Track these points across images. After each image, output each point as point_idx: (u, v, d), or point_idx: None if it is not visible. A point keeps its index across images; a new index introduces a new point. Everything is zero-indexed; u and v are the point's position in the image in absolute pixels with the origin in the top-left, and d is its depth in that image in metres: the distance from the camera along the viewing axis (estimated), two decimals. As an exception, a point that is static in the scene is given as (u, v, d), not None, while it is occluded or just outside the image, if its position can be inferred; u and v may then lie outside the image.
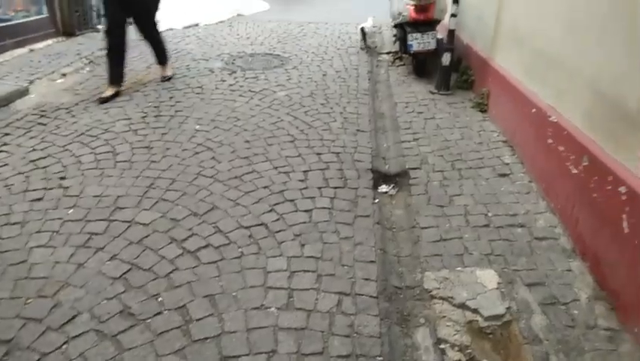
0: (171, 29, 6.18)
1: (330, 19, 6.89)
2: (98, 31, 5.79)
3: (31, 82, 4.00)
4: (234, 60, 4.93)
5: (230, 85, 4.18)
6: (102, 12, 4.52)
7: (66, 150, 2.97)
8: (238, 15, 7.04)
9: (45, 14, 5.35)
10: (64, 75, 4.28)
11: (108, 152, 2.94)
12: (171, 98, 3.84)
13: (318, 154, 2.97)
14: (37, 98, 3.78)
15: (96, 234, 2.19)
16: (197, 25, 6.42)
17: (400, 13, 4.34)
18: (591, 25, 2.14)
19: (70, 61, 4.60)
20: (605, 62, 2.01)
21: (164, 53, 4.29)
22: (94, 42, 5.29)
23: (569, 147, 2.17)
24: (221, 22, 6.66)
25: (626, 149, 1.82)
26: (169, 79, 4.26)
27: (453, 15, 3.81)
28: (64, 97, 3.82)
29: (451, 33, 3.88)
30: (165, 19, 6.31)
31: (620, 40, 1.91)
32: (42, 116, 3.44)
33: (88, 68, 4.52)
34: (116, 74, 3.89)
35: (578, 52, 2.25)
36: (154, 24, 4.17)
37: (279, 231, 2.22)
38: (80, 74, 4.37)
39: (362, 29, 5.32)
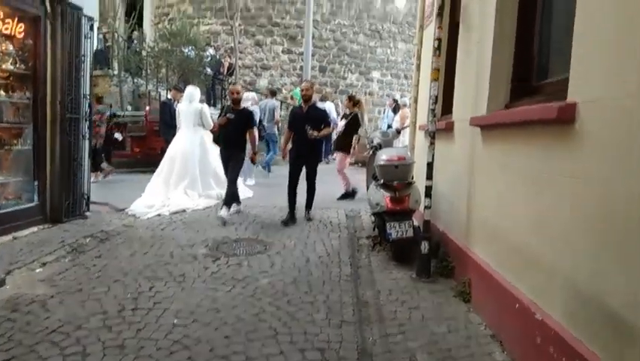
0: (159, 215, 6.39)
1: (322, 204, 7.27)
2: (85, 217, 5.94)
3: (8, 272, 3.93)
4: (218, 246, 5.01)
5: (213, 273, 4.17)
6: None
7: (33, 350, 2.77)
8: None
9: (35, 202, 5.54)
10: (44, 265, 4.24)
11: (77, 353, 2.76)
12: (151, 288, 3.77)
13: (302, 351, 2.83)
14: (12, 290, 3.67)
15: None
16: (184, 210, 6.66)
17: (377, 204, 4.62)
18: (558, 225, 2.29)
19: (52, 249, 4.60)
20: (579, 262, 2.10)
21: None
22: (80, 229, 5.40)
23: (559, 349, 2.13)
24: (208, 207, 6.95)
25: (619, 355, 1.78)
26: None
27: (427, 207, 4.07)
28: (41, 288, 3.72)
29: (427, 223, 4.09)
30: (154, 206, 6.61)
31: (590, 238, 2.03)
32: (14, 310, 3.29)
33: (70, 257, 4.51)
34: None
35: (549, 250, 2.36)
36: None
37: None
38: (60, 264, 4.33)
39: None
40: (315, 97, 14.20)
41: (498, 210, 3.15)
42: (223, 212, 6.10)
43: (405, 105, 10.56)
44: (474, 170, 3.68)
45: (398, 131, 6.16)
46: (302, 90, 6.56)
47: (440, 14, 3.96)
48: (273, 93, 11.80)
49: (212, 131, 7.28)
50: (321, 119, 6.40)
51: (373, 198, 4.77)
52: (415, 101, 6.52)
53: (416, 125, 6.37)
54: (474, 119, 3.52)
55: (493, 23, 3.23)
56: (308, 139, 6.04)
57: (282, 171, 10.31)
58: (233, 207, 6.48)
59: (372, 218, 5.23)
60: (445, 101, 4.86)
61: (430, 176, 4.08)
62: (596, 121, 1.99)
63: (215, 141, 6.88)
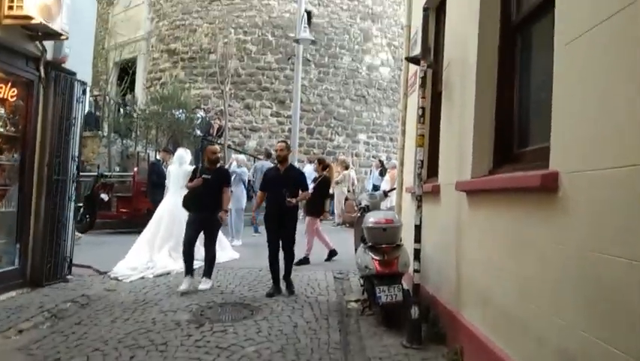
0: (142, 278, 6.24)
1: (299, 266, 7.16)
2: (67, 281, 5.78)
3: (-18, 341, 3.76)
4: (203, 311, 4.88)
5: (197, 340, 4.03)
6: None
7: None
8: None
9: (16, 265, 5.38)
10: (20, 332, 4.07)
11: None
12: (132, 358, 3.61)
13: None
14: (-16, 359, 3.51)
15: None
16: (169, 273, 6.53)
17: (366, 267, 4.58)
18: (545, 291, 2.30)
19: (30, 315, 4.43)
20: (567, 330, 2.08)
21: None
22: (60, 293, 5.23)
23: (555, 421, 2.07)
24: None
25: None
26: None
27: (416, 270, 4.05)
28: (17, 357, 3.55)
29: (416, 287, 4.05)
30: (137, 268, 6.47)
31: (578, 306, 2.03)
32: (-16, 383, 3.13)
33: (48, 324, 4.34)
34: None
35: (538, 317, 2.35)
36: None
37: None
38: (38, 331, 4.16)
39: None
40: (304, 158, 14.35)
41: (486, 274, 3.15)
42: (204, 285, 5.75)
43: (394, 167, 10.74)
44: (461, 233, 3.71)
45: (385, 193, 6.22)
46: (276, 150, 6.12)
47: (423, 85, 4.14)
48: (268, 155, 11.88)
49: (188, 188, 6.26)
50: (299, 181, 5.97)
51: (362, 261, 4.73)
52: (401, 163, 6.65)
53: (403, 187, 6.47)
54: (459, 184, 3.59)
55: (474, 95, 3.39)
56: (284, 202, 5.54)
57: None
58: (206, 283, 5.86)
59: (361, 281, 5.17)
60: (430, 164, 4.97)
61: (418, 239, 4.09)
62: (579, 190, 2.05)
63: (185, 205, 6.13)
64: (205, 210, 5.82)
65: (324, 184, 7.73)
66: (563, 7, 2.28)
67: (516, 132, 3.18)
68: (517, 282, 2.64)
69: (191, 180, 6.06)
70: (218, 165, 6.29)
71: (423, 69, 4.16)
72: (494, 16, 3.35)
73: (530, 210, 2.51)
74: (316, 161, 8.78)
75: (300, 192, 5.91)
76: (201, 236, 6.02)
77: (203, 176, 5.88)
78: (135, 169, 11.72)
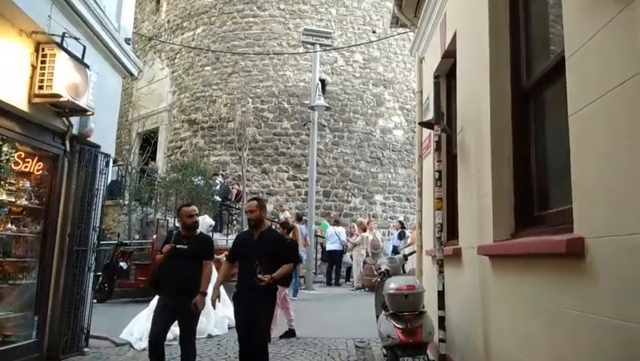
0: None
1: (319, 334, 6.95)
2: (83, 353, 5.68)
3: (-6, 422, 3.65)
4: (220, 385, 4.70)
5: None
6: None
7: None
8: (225, 333, 7.04)
9: (34, 338, 5.32)
10: (33, 411, 3.95)
11: None
12: None
13: None
14: None
15: None
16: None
17: (388, 336, 4.41)
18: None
19: (44, 392, 4.32)
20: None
21: None
22: (76, 368, 5.13)
23: None
24: (210, 337, 6.65)
25: None
26: None
27: (441, 340, 3.88)
28: None
29: (443, 357, 3.87)
30: (144, 334, 6.31)
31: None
32: None
33: (62, 402, 4.22)
34: None
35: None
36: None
37: None
38: (51, 410, 4.04)
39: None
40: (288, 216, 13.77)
41: (515, 344, 2.99)
42: None
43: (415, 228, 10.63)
44: (487, 299, 3.58)
45: (405, 257, 6.11)
46: (247, 212, 4.71)
47: (438, 149, 4.17)
48: (299, 218, 11.95)
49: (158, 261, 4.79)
50: (277, 250, 4.43)
51: (384, 330, 4.56)
52: (420, 226, 6.58)
53: (422, 249, 6.35)
54: (481, 249, 3.51)
55: (490, 158, 3.38)
56: (256, 281, 4.10)
57: (304, 295, 10.07)
58: None
59: (384, 351, 4.96)
60: (449, 226, 4.90)
61: (442, 305, 3.96)
62: (607, 256, 1.97)
63: (154, 284, 4.88)
64: (180, 291, 4.32)
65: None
66: (573, 74, 2.31)
67: (536, 194, 3.13)
68: (548, 353, 2.50)
69: (161, 249, 4.61)
70: (198, 231, 4.75)
71: (437, 134, 4.22)
72: (505, 82, 3.41)
73: (557, 276, 2.42)
74: (279, 225, 8.13)
75: (279, 263, 4.38)
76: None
77: (177, 246, 4.44)
78: (154, 237, 11.80)
